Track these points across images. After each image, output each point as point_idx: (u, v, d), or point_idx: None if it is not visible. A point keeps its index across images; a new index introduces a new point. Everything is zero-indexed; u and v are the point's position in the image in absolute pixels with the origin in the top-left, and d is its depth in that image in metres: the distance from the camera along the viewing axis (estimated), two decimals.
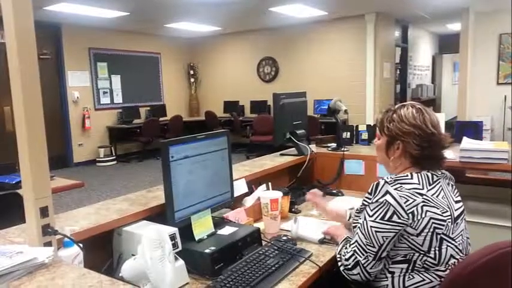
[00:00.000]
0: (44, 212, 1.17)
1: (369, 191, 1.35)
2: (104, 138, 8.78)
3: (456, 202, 1.39)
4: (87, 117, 8.35)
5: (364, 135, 2.84)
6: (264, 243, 1.57)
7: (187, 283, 1.30)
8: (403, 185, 1.30)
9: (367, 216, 1.32)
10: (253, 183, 2.08)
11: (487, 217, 2.31)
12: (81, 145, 8.41)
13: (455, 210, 1.35)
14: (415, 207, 1.26)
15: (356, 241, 1.34)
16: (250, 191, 2.02)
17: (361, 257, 1.31)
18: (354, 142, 2.86)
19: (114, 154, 8.71)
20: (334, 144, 2.72)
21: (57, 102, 8.02)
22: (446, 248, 1.29)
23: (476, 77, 7.82)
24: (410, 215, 1.25)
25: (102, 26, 8.15)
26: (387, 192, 1.28)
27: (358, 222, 1.39)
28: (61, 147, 8.10)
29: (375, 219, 1.29)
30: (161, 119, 9.08)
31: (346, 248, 1.40)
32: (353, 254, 1.33)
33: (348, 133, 2.85)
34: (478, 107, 7.82)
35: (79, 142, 8.37)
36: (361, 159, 2.48)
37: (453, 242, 1.30)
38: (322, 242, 1.61)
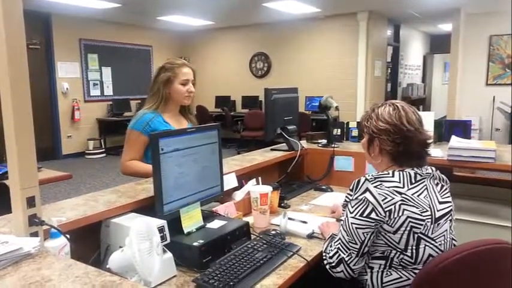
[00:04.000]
0: (30, 202, 1.16)
1: (351, 187, 1.38)
2: (93, 130, 8.70)
3: (442, 203, 1.38)
4: (77, 108, 8.26)
5: (355, 132, 2.86)
6: (252, 237, 1.58)
7: (175, 276, 1.30)
8: (383, 183, 1.32)
9: (348, 213, 1.35)
10: (243, 177, 2.08)
11: (474, 215, 2.34)
12: (70, 137, 8.32)
13: (438, 210, 1.35)
14: (393, 206, 1.28)
15: (339, 238, 1.37)
16: (240, 186, 2.02)
17: (344, 254, 1.34)
18: (344, 139, 2.88)
19: (103, 147, 8.64)
20: (324, 141, 2.73)
21: (46, 93, 7.92)
22: (424, 247, 1.30)
23: (466, 78, 7.91)
24: (387, 212, 1.28)
25: (93, 16, 8.05)
26: (367, 189, 1.31)
27: (341, 219, 1.41)
28: (49, 139, 8.01)
29: (355, 215, 1.32)
30: None
31: (330, 246, 1.41)
32: (337, 252, 1.36)
33: (339, 130, 2.86)
34: (467, 107, 7.91)
35: (68, 134, 8.28)
36: (351, 155, 2.50)
37: (432, 242, 1.31)
38: (310, 236, 1.62)
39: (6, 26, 1.09)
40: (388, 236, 1.30)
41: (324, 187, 2.39)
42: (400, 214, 1.28)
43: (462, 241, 1.35)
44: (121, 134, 8.68)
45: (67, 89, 8.12)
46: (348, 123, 2.91)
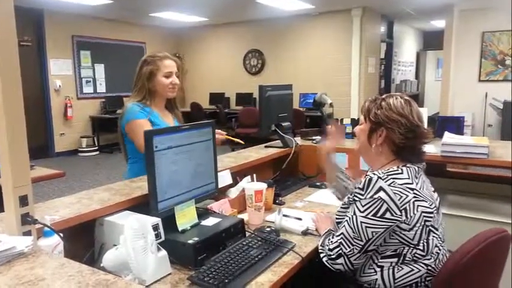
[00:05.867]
0: (23, 200, 1.15)
1: (361, 186, 1.34)
2: (86, 128, 8.64)
3: (434, 193, 1.43)
4: (69, 106, 8.19)
5: (349, 129, 2.86)
6: (247, 234, 1.57)
7: (169, 274, 1.30)
8: (396, 180, 1.31)
9: (357, 211, 1.32)
10: (238, 174, 2.08)
11: (467, 210, 2.36)
12: (63, 135, 8.26)
13: (436, 200, 1.40)
14: (408, 204, 1.28)
15: (342, 233, 1.35)
16: (235, 183, 2.02)
17: (346, 249, 1.33)
18: None
19: (96, 144, 8.59)
20: (319, 137, 2.73)
21: (39, 90, 7.84)
22: (433, 239, 1.33)
23: (458, 74, 7.95)
24: (403, 211, 1.27)
25: (85, 13, 7.98)
26: (381, 188, 1.29)
27: (345, 216, 1.39)
28: (42, 137, 7.94)
29: (366, 215, 1.30)
30: None
31: (329, 239, 1.41)
32: (338, 246, 1.35)
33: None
34: (459, 103, 7.95)
35: (61, 132, 8.22)
36: (345, 152, 2.50)
37: (437, 233, 1.35)
38: (305, 233, 1.62)
39: None
40: (403, 234, 1.30)
41: (318, 184, 2.39)
42: (415, 212, 1.28)
43: (458, 237, 1.37)
44: (114, 132, 8.68)
45: (59, 86, 8.05)
46: (342, 119, 2.92)
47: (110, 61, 8.93)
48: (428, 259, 1.32)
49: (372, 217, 1.28)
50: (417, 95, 11.58)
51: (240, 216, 1.76)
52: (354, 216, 1.32)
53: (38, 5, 7.21)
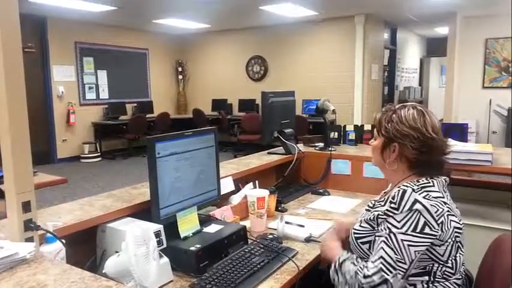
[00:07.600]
0: (26, 206, 1.15)
1: (394, 200, 1.22)
2: (88, 134, 8.66)
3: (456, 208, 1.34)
4: (72, 112, 8.22)
5: (352, 136, 2.86)
6: (249, 241, 1.57)
7: (171, 281, 1.29)
8: (430, 193, 1.21)
9: (393, 228, 1.19)
10: (240, 181, 2.07)
11: (470, 218, 2.34)
12: (65, 141, 8.28)
13: (460, 215, 1.31)
14: (443, 217, 1.19)
15: (382, 257, 1.18)
16: (237, 189, 2.02)
17: (389, 275, 1.16)
18: (341, 142, 2.87)
19: (99, 151, 8.60)
20: (321, 144, 2.73)
21: (42, 96, 7.88)
22: (460, 256, 1.25)
23: (462, 81, 7.95)
24: (440, 225, 1.18)
25: (88, 20, 8.04)
26: (416, 200, 1.19)
27: (369, 233, 1.29)
28: (44, 143, 7.96)
29: (406, 231, 1.17)
30: (148, 115, 8.99)
31: (357, 263, 1.26)
32: (379, 271, 1.17)
33: (336, 133, 2.86)
34: (463, 110, 7.94)
35: (63, 138, 8.24)
36: (348, 159, 2.49)
37: (463, 249, 1.27)
38: (308, 240, 1.62)
39: (2, 29, 1.09)
40: (434, 249, 1.20)
41: (321, 191, 2.38)
42: (449, 226, 1.20)
43: None
44: (117, 138, 8.76)
45: (62, 92, 8.09)
46: (344, 126, 2.91)
47: (112, 67, 8.97)
48: (459, 278, 1.24)
49: (412, 233, 1.16)
50: (421, 101, 11.56)
51: (242, 223, 1.75)
52: (392, 235, 1.18)
53: (41, 12, 7.27)
